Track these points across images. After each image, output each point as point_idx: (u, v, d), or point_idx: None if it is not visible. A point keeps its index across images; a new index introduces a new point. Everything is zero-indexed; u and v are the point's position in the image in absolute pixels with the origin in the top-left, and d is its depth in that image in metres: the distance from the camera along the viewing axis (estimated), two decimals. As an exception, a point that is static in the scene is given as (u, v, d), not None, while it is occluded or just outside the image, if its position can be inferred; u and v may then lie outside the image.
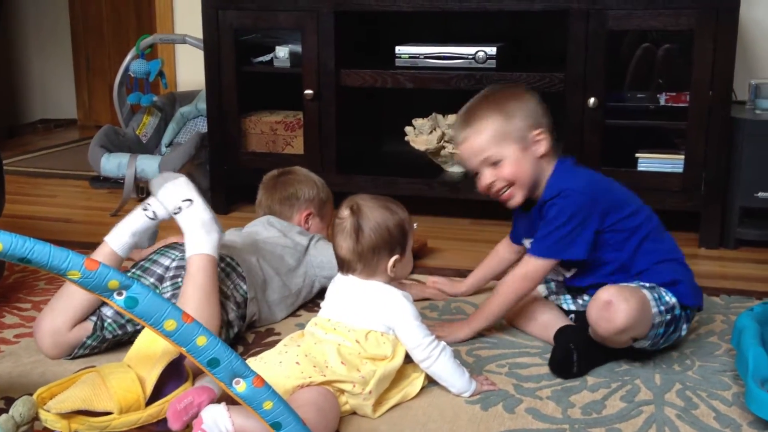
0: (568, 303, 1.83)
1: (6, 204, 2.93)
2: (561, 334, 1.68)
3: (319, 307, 1.62)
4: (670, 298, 1.66)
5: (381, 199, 1.59)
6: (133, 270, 1.76)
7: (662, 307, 1.64)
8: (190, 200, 1.69)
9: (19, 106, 4.92)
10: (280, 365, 1.45)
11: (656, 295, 1.64)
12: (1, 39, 4.74)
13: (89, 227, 2.76)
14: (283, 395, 1.38)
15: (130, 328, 1.71)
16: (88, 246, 2.47)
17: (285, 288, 1.92)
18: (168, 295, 1.68)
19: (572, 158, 1.78)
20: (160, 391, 1.39)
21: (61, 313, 1.67)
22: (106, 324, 1.69)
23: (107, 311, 1.69)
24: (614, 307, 1.56)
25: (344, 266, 1.58)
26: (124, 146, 3.12)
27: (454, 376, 1.53)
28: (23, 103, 4.95)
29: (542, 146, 1.71)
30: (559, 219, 1.67)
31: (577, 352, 1.63)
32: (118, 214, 2.90)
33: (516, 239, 1.93)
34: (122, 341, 1.73)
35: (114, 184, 3.19)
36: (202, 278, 1.64)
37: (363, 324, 1.52)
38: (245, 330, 1.84)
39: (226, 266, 1.79)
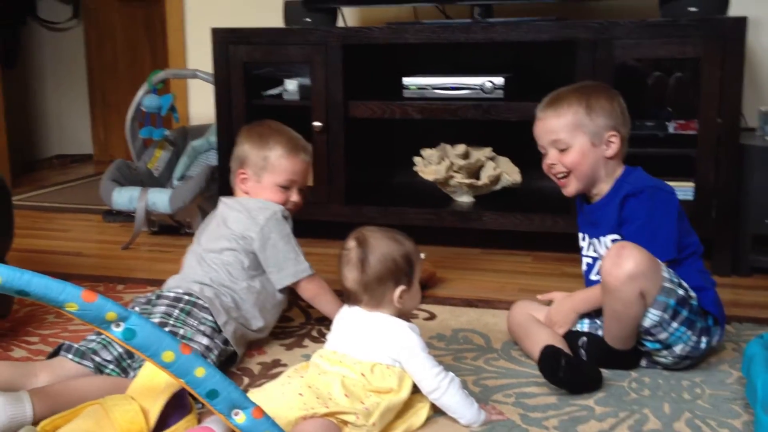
0: (583, 324, 1.83)
1: (19, 239, 2.97)
2: (554, 347, 1.68)
3: (325, 339, 1.62)
4: (689, 290, 1.69)
5: (388, 231, 1.59)
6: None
7: (675, 280, 1.66)
8: None
9: (35, 142, 4.98)
10: (283, 396, 1.44)
11: (672, 275, 1.67)
12: (18, 75, 4.81)
13: (101, 261, 2.78)
14: (286, 427, 1.38)
15: (132, 372, 1.64)
16: (99, 279, 2.50)
17: (251, 291, 1.88)
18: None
19: (640, 167, 1.86)
20: (164, 422, 1.39)
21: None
22: (107, 371, 1.64)
23: (106, 356, 1.65)
24: (627, 251, 1.62)
25: (350, 297, 1.58)
26: (136, 180, 3.15)
27: (463, 407, 1.52)
28: (40, 138, 5.02)
29: (612, 148, 1.80)
30: (653, 213, 1.73)
31: (566, 359, 1.63)
32: (130, 247, 2.92)
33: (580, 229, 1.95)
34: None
35: (127, 217, 3.21)
36: None
37: (369, 357, 1.52)
38: (245, 358, 1.85)
39: (186, 303, 1.76)
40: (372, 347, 1.52)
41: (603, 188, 1.83)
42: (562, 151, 1.81)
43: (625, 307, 1.65)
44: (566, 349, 1.73)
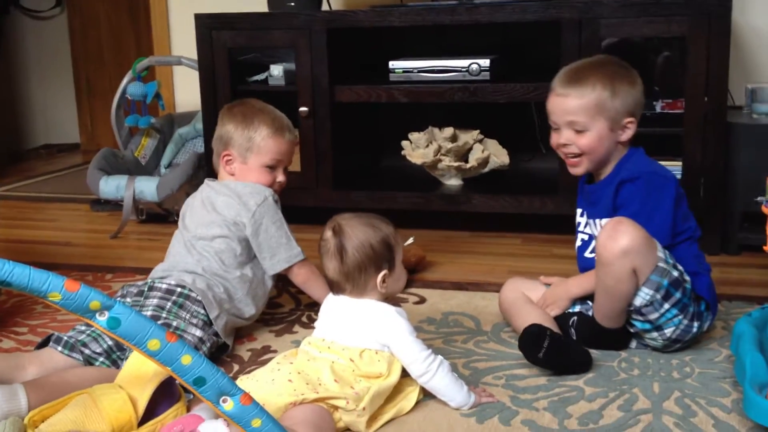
0: (575, 307, 1.83)
1: (7, 229, 2.97)
2: (538, 326, 1.68)
3: (314, 323, 1.62)
4: (684, 274, 1.69)
5: (364, 216, 1.58)
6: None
7: (670, 261, 1.66)
8: None
9: (21, 132, 4.95)
10: (273, 383, 1.44)
11: (667, 256, 1.67)
12: (2, 65, 4.77)
13: (89, 250, 2.77)
14: (276, 413, 1.38)
15: (121, 363, 1.62)
16: (88, 269, 2.49)
17: (243, 280, 1.88)
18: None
19: (642, 149, 1.83)
20: (152, 411, 1.39)
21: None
22: (97, 364, 1.62)
23: (96, 348, 1.63)
24: (623, 227, 1.61)
25: (334, 287, 1.58)
26: (123, 169, 3.13)
27: (453, 390, 1.52)
28: (26, 128, 4.98)
29: (627, 134, 1.77)
30: (645, 199, 1.72)
31: (551, 339, 1.63)
32: (118, 235, 2.91)
33: (579, 205, 1.94)
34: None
35: (115, 206, 3.19)
36: None
37: (357, 343, 1.51)
38: (235, 345, 1.85)
39: (178, 296, 1.75)
40: (360, 333, 1.52)
41: (607, 170, 1.81)
42: (578, 132, 1.76)
43: (616, 282, 1.64)
44: (555, 329, 1.73)
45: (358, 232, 1.53)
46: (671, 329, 1.69)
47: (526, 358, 1.64)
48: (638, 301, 1.66)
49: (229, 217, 1.90)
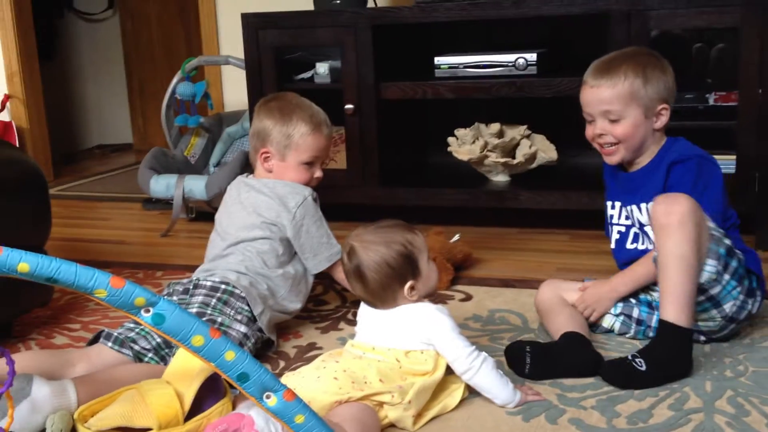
0: (617, 307, 1.81)
1: (61, 228, 3.03)
2: (563, 336, 1.68)
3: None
4: (733, 246, 1.67)
5: (379, 232, 1.55)
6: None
7: (721, 230, 1.66)
8: None
9: (76, 133, 5.06)
10: (318, 380, 1.44)
11: (716, 226, 1.66)
12: (57, 68, 4.88)
13: (141, 248, 2.82)
14: (321, 411, 1.38)
15: (169, 359, 1.65)
16: (139, 266, 2.53)
17: (286, 278, 1.89)
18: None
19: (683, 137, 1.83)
20: (199, 406, 1.40)
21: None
22: (146, 359, 1.66)
23: (145, 345, 1.66)
24: (676, 196, 1.62)
25: (367, 303, 1.58)
26: (173, 168, 3.17)
27: (497, 387, 1.50)
28: (80, 129, 5.09)
29: (662, 120, 1.77)
30: (703, 181, 1.72)
31: (531, 349, 1.62)
32: (168, 234, 2.95)
33: (609, 197, 1.92)
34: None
35: (166, 205, 3.24)
36: None
37: (402, 345, 1.51)
38: (281, 341, 1.86)
39: (223, 293, 1.76)
40: (403, 336, 1.51)
41: (644, 158, 1.81)
42: (613, 121, 1.77)
43: (684, 245, 1.58)
44: (584, 332, 1.70)
45: (371, 254, 1.52)
46: (730, 304, 1.67)
47: (517, 375, 1.63)
48: (704, 277, 1.62)
49: (269, 218, 1.91)
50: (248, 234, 1.91)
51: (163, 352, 1.67)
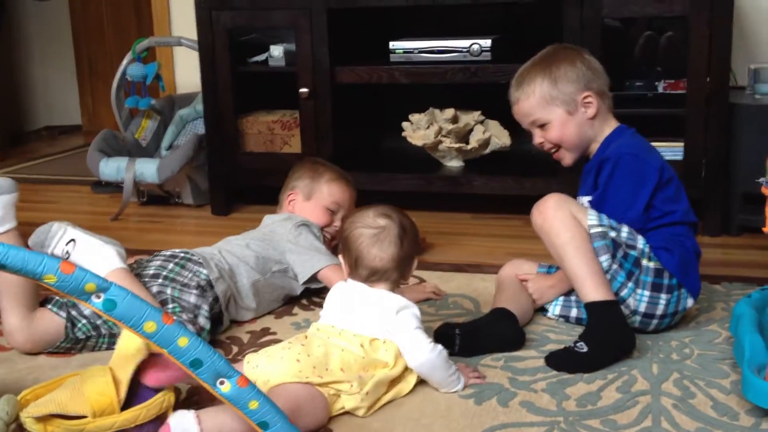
0: (557, 301, 1.85)
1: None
2: (491, 312, 1.75)
3: (314, 306, 1.61)
4: (630, 240, 1.68)
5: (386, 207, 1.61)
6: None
7: (606, 223, 1.68)
8: (72, 240, 1.75)
9: (23, 114, 4.93)
10: (281, 360, 1.43)
11: (602, 218, 1.68)
12: (3, 46, 4.75)
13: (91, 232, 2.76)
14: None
15: (104, 330, 1.72)
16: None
17: (253, 272, 1.90)
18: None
19: (634, 129, 1.84)
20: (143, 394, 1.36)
21: (12, 311, 1.69)
22: (79, 325, 1.71)
23: (85, 310, 1.71)
24: (544, 199, 1.71)
25: (375, 275, 1.54)
26: (123, 150, 3.12)
27: (446, 381, 1.52)
28: (27, 110, 4.97)
29: (591, 109, 1.78)
30: (616, 182, 1.72)
31: (461, 337, 1.66)
32: (119, 218, 2.91)
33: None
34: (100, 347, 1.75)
35: (116, 188, 3.18)
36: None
37: (368, 331, 1.51)
38: (234, 326, 1.86)
39: (180, 259, 1.83)
40: (371, 322, 1.51)
41: (594, 147, 1.83)
42: (543, 127, 1.80)
43: (564, 233, 1.66)
44: (519, 311, 1.75)
45: (405, 220, 1.56)
46: (631, 300, 1.69)
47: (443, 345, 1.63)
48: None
49: (273, 228, 2.04)
50: (266, 266, 1.96)
51: (97, 322, 1.71)
